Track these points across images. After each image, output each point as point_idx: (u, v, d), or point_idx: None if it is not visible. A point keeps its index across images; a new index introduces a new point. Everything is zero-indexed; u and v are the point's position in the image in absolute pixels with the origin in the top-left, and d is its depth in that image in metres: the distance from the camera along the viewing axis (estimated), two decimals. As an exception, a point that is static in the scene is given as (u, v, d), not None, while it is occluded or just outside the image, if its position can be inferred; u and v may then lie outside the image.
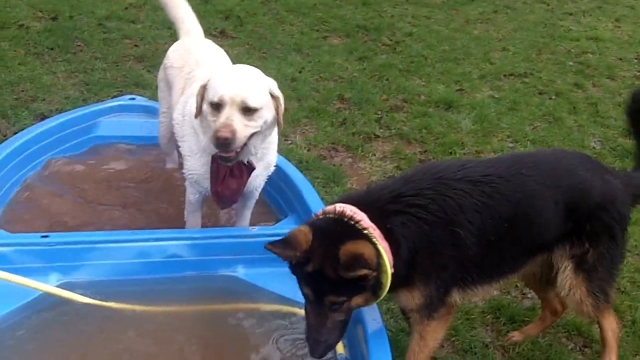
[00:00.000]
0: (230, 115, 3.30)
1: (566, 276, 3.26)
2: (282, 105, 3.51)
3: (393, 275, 2.81)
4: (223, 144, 3.29)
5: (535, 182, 3.13)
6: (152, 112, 5.11)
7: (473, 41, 8.57)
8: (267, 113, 3.44)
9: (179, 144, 3.93)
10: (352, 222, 2.78)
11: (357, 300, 2.81)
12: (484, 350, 3.71)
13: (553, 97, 7.12)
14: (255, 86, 3.39)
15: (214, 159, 3.58)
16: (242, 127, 3.32)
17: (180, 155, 4.13)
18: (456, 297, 3.14)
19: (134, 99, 5.33)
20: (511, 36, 8.94)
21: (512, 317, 3.95)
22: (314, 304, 2.83)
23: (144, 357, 3.26)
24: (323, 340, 2.84)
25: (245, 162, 3.60)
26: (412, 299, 3.01)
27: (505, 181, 3.07)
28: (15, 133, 4.92)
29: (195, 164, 3.74)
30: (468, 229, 2.95)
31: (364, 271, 2.66)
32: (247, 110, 3.34)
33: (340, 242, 2.68)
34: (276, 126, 3.63)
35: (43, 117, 5.47)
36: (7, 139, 4.84)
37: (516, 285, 4.19)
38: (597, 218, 3.20)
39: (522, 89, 7.26)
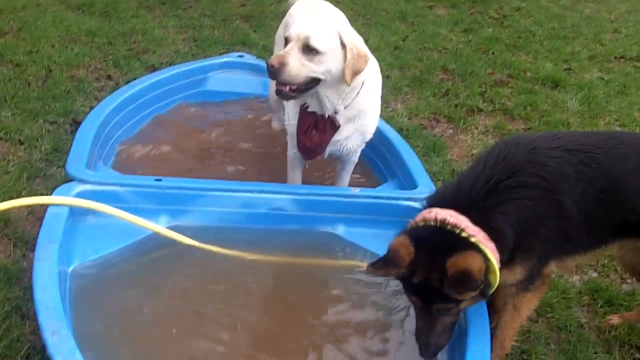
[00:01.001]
0: (289, 50, 3.31)
1: None
2: (352, 58, 3.37)
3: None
4: (270, 71, 3.30)
5: (634, 159, 3.00)
6: (259, 70, 5.21)
7: (583, 20, 8.32)
8: (332, 61, 3.37)
9: None
10: (457, 231, 2.69)
11: (465, 304, 2.79)
12: (579, 329, 3.65)
13: (665, 83, 6.85)
14: (323, 28, 3.34)
15: (301, 110, 3.68)
16: (297, 64, 3.30)
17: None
18: (553, 267, 3.09)
19: (242, 56, 5.44)
20: (624, 18, 8.63)
21: (610, 300, 3.86)
22: (422, 310, 2.80)
23: (243, 301, 3.36)
24: (433, 343, 2.82)
25: (327, 116, 3.62)
26: (514, 275, 2.95)
27: (603, 152, 2.97)
28: (127, 82, 5.11)
29: (290, 114, 3.84)
30: (571, 197, 2.86)
31: (471, 294, 2.64)
32: (309, 50, 3.32)
33: (447, 254, 2.62)
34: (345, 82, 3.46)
35: (154, 69, 5.66)
36: (119, 87, 5.03)
37: (616, 270, 4.10)
38: None
39: (632, 72, 7.01)
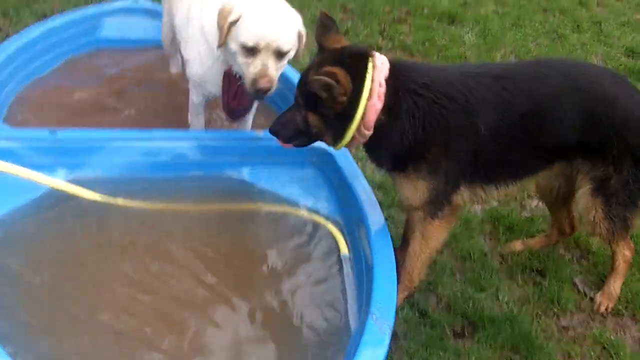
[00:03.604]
0: (266, 62, 3.28)
1: (584, 196, 3.26)
2: (303, 42, 3.50)
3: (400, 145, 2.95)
4: (264, 94, 3.33)
5: (557, 83, 3.10)
6: (155, 15, 5.04)
7: (478, -45, 8.38)
8: (293, 51, 3.45)
9: (182, 45, 3.88)
10: (366, 62, 2.88)
11: (311, 116, 2.96)
12: (482, 258, 3.79)
13: (557, 14, 7.01)
14: (288, 30, 3.36)
15: (227, 75, 3.58)
16: (276, 73, 3.34)
17: (182, 57, 4.08)
18: (464, 194, 3.15)
19: (137, 1, 5.23)
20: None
21: (511, 227, 4.01)
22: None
23: (148, 253, 3.31)
24: (275, 123, 3.13)
25: None
26: (416, 190, 3.04)
27: (526, 78, 3.08)
28: (17, 32, 4.86)
29: (201, 68, 3.69)
30: (486, 123, 2.96)
31: (318, 80, 2.78)
32: (280, 55, 3.34)
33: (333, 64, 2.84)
34: None
35: (45, 17, 5.39)
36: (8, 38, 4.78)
37: (515, 198, 4.25)
38: (621, 139, 3.09)
39: (526, 5, 7.14)
